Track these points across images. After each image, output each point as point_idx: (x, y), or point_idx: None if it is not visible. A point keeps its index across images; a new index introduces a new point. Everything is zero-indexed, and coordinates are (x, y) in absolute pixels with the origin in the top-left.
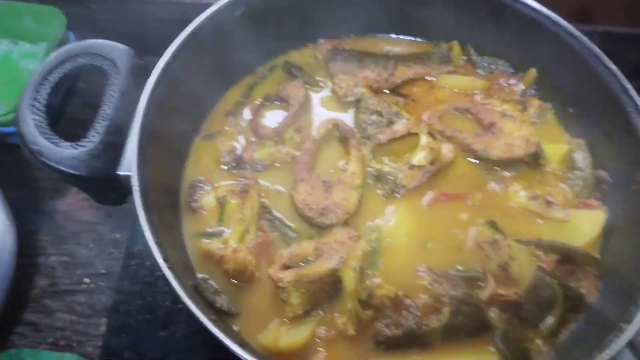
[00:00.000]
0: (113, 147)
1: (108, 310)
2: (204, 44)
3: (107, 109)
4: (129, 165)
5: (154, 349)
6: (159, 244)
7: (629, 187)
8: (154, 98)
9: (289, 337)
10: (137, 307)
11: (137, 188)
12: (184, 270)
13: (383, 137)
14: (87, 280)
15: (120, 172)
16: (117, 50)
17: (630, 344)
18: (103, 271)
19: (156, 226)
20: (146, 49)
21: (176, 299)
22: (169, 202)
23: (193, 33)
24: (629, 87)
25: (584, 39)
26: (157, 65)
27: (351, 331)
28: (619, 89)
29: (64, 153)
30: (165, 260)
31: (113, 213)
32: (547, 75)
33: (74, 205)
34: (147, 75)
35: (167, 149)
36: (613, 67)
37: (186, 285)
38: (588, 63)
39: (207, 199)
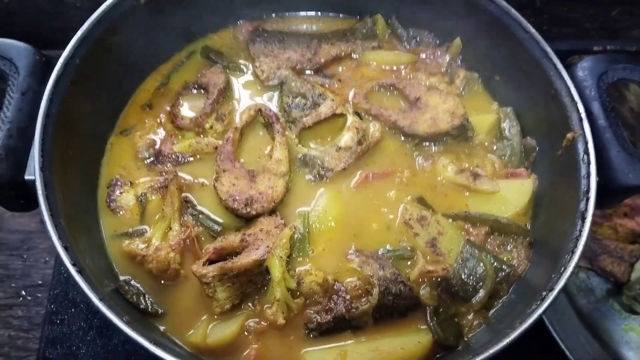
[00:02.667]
0: (16, 151)
1: (41, 322)
2: (109, 35)
3: (7, 112)
4: (33, 169)
5: (92, 357)
6: (66, 249)
7: (555, 153)
8: (57, 96)
9: (218, 332)
10: (71, 316)
11: (41, 192)
12: (105, 273)
13: (308, 120)
14: (23, 292)
15: (27, 177)
16: (15, 48)
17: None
18: (40, 282)
19: (64, 230)
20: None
21: None
22: (85, 204)
23: (95, 24)
24: (549, 50)
25: (503, 3)
26: (58, 61)
27: (281, 321)
28: (540, 54)
29: None
30: (74, 265)
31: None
32: (472, 44)
33: (3, 214)
34: (50, 72)
35: (79, 148)
36: (533, 30)
37: (98, 288)
38: (509, 28)
39: (126, 198)
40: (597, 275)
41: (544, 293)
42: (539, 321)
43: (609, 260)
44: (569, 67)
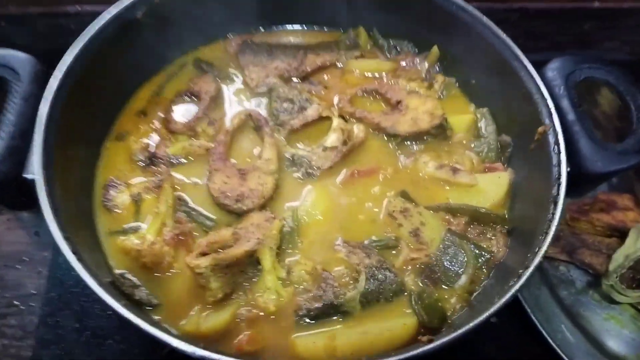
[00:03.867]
0: (19, 151)
1: (36, 324)
2: (107, 46)
3: (10, 116)
4: (34, 167)
5: (86, 357)
6: (67, 239)
7: (528, 147)
8: (57, 101)
9: (211, 320)
10: (65, 317)
11: (44, 188)
12: (101, 267)
13: (296, 122)
14: (16, 302)
15: (27, 175)
16: (17, 58)
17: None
18: (33, 292)
19: (64, 223)
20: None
21: (106, 306)
22: (81, 203)
23: (95, 36)
24: (519, 52)
25: (476, 12)
26: (58, 68)
27: (272, 308)
28: (511, 56)
29: None
30: (75, 253)
31: (40, 231)
32: (449, 51)
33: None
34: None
35: (77, 151)
36: (503, 36)
37: (97, 276)
38: (482, 35)
39: (122, 198)
40: (577, 267)
41: (520, 271)
42: (522, 312)
43: (588, 253)
44: (539, 69)
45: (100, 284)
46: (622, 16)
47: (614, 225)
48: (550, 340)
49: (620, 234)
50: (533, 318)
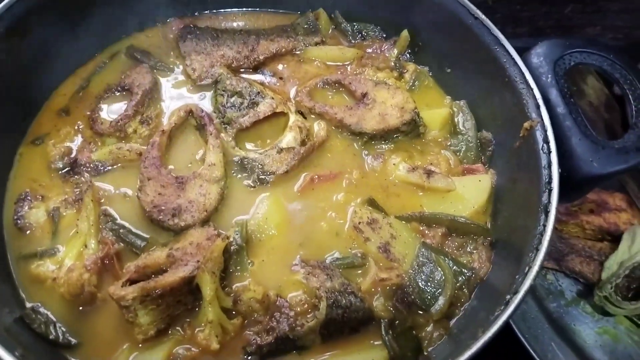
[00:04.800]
0: None
1: None
2: (17, 32)
3: None
4: None
5: None
6: None
7: (512, 145)
8: None
9: None
10: None
11: None
12: (7, 300)
13: (245, 120)
14: None
15: None
16: None
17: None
18: None
19: None
20: None
21: None
22: None
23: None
24: (500, 36)
25: None
26: None
27: (215, 345)
28: (491, 40)
29: None
30: None
31: None
32: (420, 36)
33: None
34: None
35: None
36: (482, 16)
37: None
38: (457, 16)
39: (36, 214)
40: (566, 276)
41: (508, 297)
42: (507, 328)
43: (578, 260)
44: (522, 55)
45: None
46: (606, 0)
47: (606, 229)
48: None
49: (613, 237)
50: (520, 337)
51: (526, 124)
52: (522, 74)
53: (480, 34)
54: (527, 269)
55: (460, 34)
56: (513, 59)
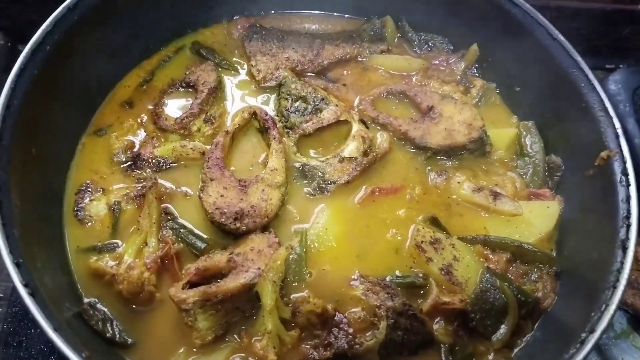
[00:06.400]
0: None
1: None
2: (86, 21)
3: None
4: None
5: None
6: (17, 265)
7: (584, 173)
8: (21, 85)
9: None
10: (30, 337)
11: None
12: (66, 294)
13: (309, 126)
14: None
15: None
16: None
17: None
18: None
19: (17, 243)
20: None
21: None
22: (48, 211)
23: (71, 8)
24: (580, 59)
25: (528, 6)
26: (27, 46)
27: (272, 357)
28: (570, 63)
29: None
30: (26, 285)
31: None
32: (490, 51)
33: None
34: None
35: (45, 147)
36: (561, 38)
37: (54, 315)
38: (534, 35)
39: (97, 207)
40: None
41: (584, 335)
42: None
43: (630, 292)
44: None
45: (58, 327)
46: None
47: None
48: None
49: None
50: None
51: (603, 154)
52: (602, 100)
53: (558, 56)
54: (603, 307)
55: (535, 53)
56: (592, 84)
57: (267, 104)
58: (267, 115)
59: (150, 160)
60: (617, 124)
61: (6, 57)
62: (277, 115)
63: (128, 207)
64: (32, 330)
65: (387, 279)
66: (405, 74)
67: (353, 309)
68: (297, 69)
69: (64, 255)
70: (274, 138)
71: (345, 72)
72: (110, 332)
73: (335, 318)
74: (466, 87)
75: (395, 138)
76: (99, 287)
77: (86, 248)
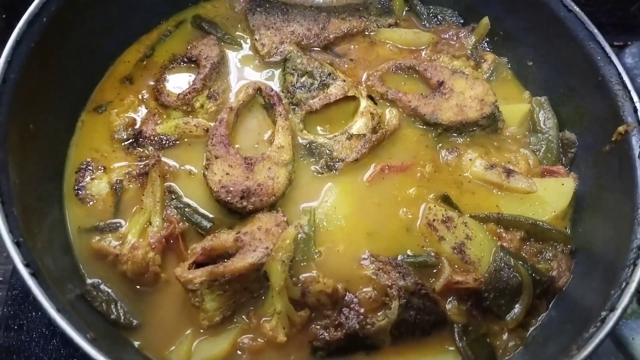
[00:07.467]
0: None
1: None
2: None
3: None
4: None
5: None
6: (17, 245)
7: (600, 149)
8: (18, 59)
9: (205, 350)
10: (31, 321)
11: None
12: (69, 275)
13: (315, 102)
14: None
15: None
16: None
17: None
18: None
19: (17, 222)
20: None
21: None
22: (48, 190)
23: None
24: (596, 32)
25: None
26: (23, 17)
27: (282, 337)
28: (585, 35)
29: None
30: (27, 265)
31: None
32: (501, 24)
33: None
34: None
35: (44, 124)
36: (577, 9)
37: (57, 296)
38: (548, 6)
39: (98, 186)
40: None
41: (604, 313)
42: None
43: None
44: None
45: (61, 308)
46: None
47: None
48: None
49: None
50: None
51: (620, 128)
52: (619, 74)
53: (573, 28)
54: (624, 284)
55: (548, 26)
56: (609, 57)
57: (272, 79)
58: (272, 91)
59: (152, 137)
60: (636, 98)
61: (1, 32)
62: (283, 91)
63: (130, 185)
64: (33, 314)
65: (399, 258)
66: (414, 48)
67: (364, 289)
68: (303, 43)
69: (65, 235)
70: (280, 114)
71: (352, 46)
72: (115, 313)
73: (346, 298)
74: (477, 61)
75: (404, 114)
76: (102, 268)
77: (88, 228)
